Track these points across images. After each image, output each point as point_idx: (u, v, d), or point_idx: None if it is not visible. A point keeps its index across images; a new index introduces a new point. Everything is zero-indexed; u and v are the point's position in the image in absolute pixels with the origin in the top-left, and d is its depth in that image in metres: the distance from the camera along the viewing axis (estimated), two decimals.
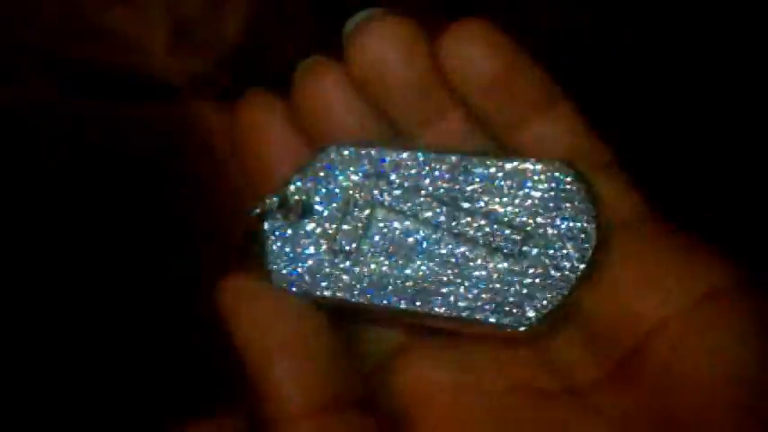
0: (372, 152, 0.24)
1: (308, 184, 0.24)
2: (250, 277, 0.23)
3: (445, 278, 0.23)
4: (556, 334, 0.23)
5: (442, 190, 0.23)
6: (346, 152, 0.24)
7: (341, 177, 0.24)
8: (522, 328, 0.22)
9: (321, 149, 0.24)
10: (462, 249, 0.23)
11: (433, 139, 0.24)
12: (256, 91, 0.25)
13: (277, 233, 0.24)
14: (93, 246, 0.43)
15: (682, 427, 0.20)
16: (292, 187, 0.24)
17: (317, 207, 0.24)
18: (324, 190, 0.24)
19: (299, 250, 0.24)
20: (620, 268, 0.22)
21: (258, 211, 0.24)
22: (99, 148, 0.45)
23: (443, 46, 0.24)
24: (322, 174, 0.24)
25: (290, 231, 0.24)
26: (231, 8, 0.46)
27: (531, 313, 0.22)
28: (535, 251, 0.22)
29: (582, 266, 0.22)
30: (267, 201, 0.24)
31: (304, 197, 0.24)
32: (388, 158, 0.24)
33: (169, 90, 0.46)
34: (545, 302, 0.22)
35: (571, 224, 0.22)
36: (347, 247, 0.23)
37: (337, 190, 0.24)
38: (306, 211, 0.24)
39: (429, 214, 0.23)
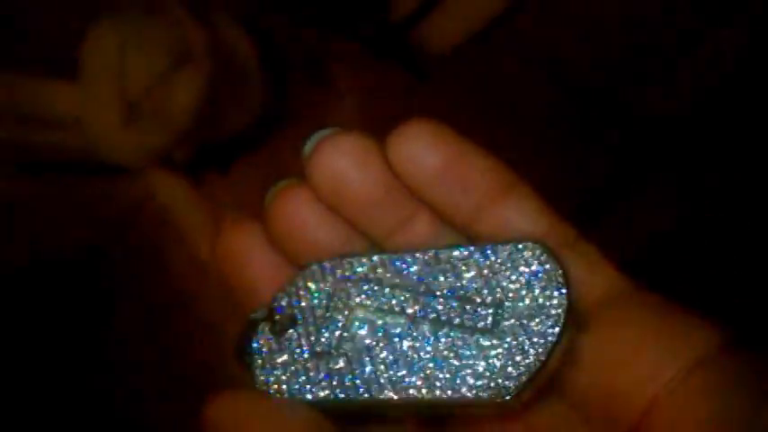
0: (346, 262, 0.25)
1: (292, 299, 0.25)
2: (239, 393, 0.24)
3: (423, 363, 0.23)
4: (542, 404, 0.23)
5: (414, 282, 0.24)
6: (326, 265, 0.25)
7: (320, 289, 0.25)
8: (507, 398, 0.22)
9: (302, 267, 0.25)
10: (439, 333, 0.24)
11: (404, 244, 0.25)
12: (236, 217, 0.26)
13: (264, 346, 0.25)
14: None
15: None
16: (276, 303, 0.25)
17: (300, 318, 0.25)
18: (304, 303, 0.25)
19: (284, 358, 0.25)
20: (604, 348, 0.23)
21: (248, 325, 0.25)
22: (57, 227, 0.45)
23: (390, 149, 0.24)
24: (302, 289, 0.25)
25: (275, 344, 0.25)
26: (183, 80, 0.44)
27: (509, 383, 0.22)
28: (508, 323, 0.23)
29: (555, 333, 0.23)
30: (254, 315, 0.25)
31: (288, 311, 0.25)
32: (361, 266, 0.25)
33: (119, 168, 0.45)
34: (522, 370, 0.22)
35: (541, 298, 0.23)
36: (328, 349, 0.24)
37: (316, 301, 0.25)
38: (290, 323, 0.25)
39: (404, 307, 0.24)
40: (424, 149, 0.24)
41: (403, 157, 0.24)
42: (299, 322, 0.25)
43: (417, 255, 0.25)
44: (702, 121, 0.45)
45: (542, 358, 0.22)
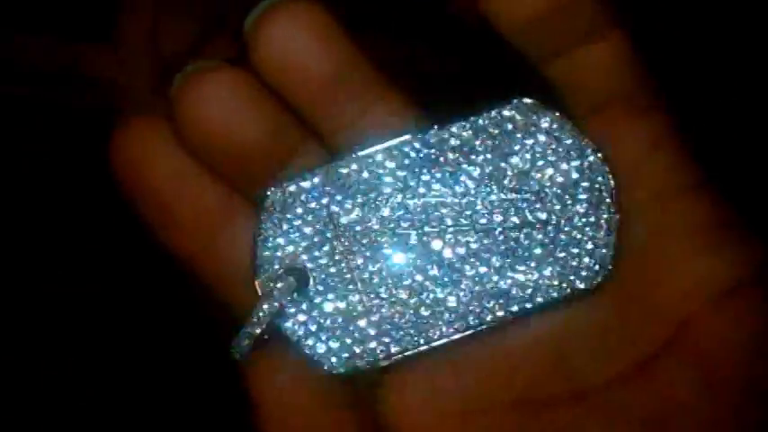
0: (322, 174, 0.22)
1: (282, 241, 0.22)
2: (276, 351, 0.22)
3: (496, 276, 0.22)
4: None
5: (426, 176, 0.22)
6: (292, 188, 0.22)
7: (310, 218, 0.22)
8: (598, 280, 0.22)
9: (260, 197, 0.22)
10: (490, 241, 0.22)
11: (355, 135, 0.22)
12: (134, 114, 0.22)
13: (292, 320, 0.22)
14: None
15: (719, 421, 0.21)
16: (267, 253, 0.22)
17: (309, 266, 0.22)
18: (303, 242, 0.22)
19: (323, 324, 0.22)
20: (650, 251, 0.22)
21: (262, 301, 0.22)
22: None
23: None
24: (285, 225, 0.22)
25: (300, 312, 0.22)
26: (217, 48, 0.45)
27: (595, 266, 0.21)
28: (559, 207, 0.22)
29: (611, 203, 0.21)
30: (265, 284, 0.22)
31: (287, 261, 0.22)
32: (345, 171, 0.22)
33: None
34: (603, 250, 0.21)
35: (576, 168, 0.22)
36: (368, 301, 0.22)
37: (315, 236, 0.22)
38: (299, 277, 0.22)
39: (435, 214, 0.22)
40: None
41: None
42: (313, 275, 0.22)
43: (412, 143, 0.22)
44: None
45: (613, 229, 0.21)
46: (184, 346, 0.44)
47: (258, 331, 0.21)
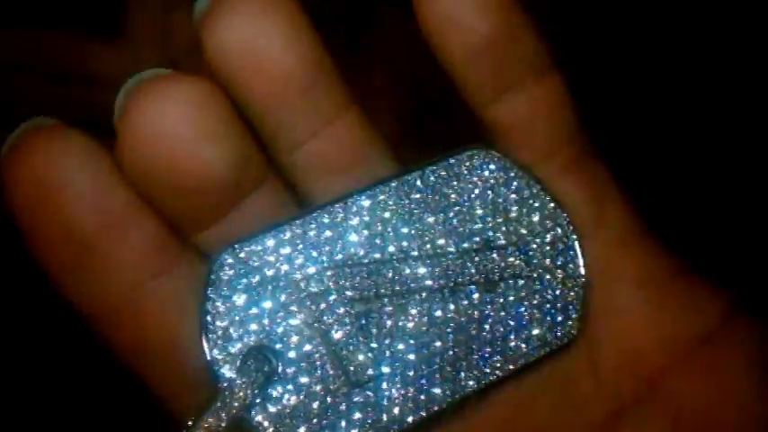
0: (280, 234, 0.19)
1: (239, 317, 0.18)
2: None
3: (477, 341, 0.20)
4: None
5: (375, 245, 0.20)
6: (245, 251, 0.18)
7: (270, 287, 0.19)
8: (574, 333, 0.21)
9: (213, 265, 0.18)
10: (459, 303, 0.20)
11: (317, 150, 0.19)
12: (45, 122, 0.18)
13: (262, 413, 0.19)
14: None
15: None
16: (220, 332, 0.18)
17: (278, 346, 0.19)
18: (265, 317, 0.19)
19: (298, 415, 0.19)
20: (613, 313, 0.21)
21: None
22: None
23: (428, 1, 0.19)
24: (242, 297, 0.19)
25: (270, 402, 0.19)
26: None
27: (569, 320, 0.21)
28: (522, 264, 0.21)
29: (576, 247, 0.21)
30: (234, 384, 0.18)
31: (252, 343, 0.18)
32: (304, 230, 0.19)
33: None
34: (575, 304, 0.21)
35: (539, 223, 0.21)
36: (345, 384, 0.19)
37: (278, 309, 0.19)
38: (265, 360, 0.19)
39: (402, 278, 0.20)
40: (478, 9, 0.19)
41: (447, 14, 0.18)
42: (275, 362, 0.19)
43: (363, 202, 0.20)
44: None
45: (582, 280, 0.21)
46: None
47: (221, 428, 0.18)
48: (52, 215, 0.17)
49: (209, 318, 0.18)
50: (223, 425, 0.17)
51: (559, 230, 0.21)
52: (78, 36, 0.43)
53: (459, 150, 0.21)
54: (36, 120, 0.17)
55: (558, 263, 0.21)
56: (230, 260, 0.18)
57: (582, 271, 0.21)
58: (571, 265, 0.21)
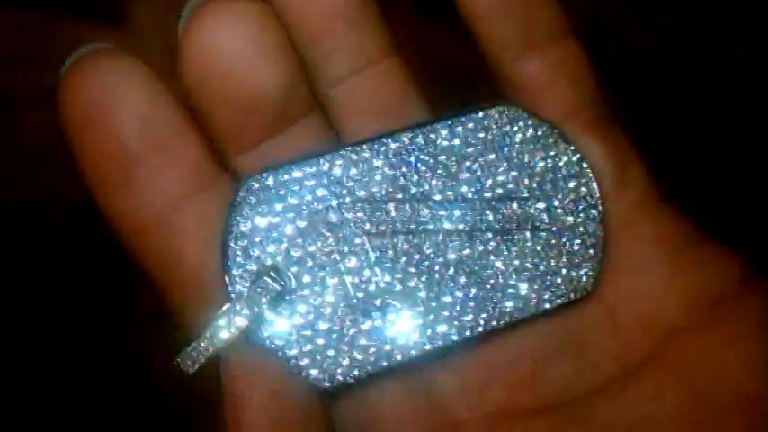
0: (306, 167, 0.20)
1: (258, 239, 0.19)
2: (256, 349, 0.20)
3: (488, 285, 0.21)
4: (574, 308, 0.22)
5: (408, 181, 0.20)
6: (271, 180, 0.20)
7: (290, 215, 0.20)
8: (580, 294, 0.21)
9: (240, 188, 0.20)
10: (475, 248, 0.21)
11: (356, 88, 0.20)
12: (103, 47, 0.19)
13: (271, 329, 0.20)
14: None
15: (708, 423, 0.20)
16: (239, 251, 0.19)
17: (292, 269, 0.20)
18: (282, 241, 0.20)
19: (305, 334, 0.20)
20: (627, 274, 0.22)
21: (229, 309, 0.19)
22: None
23: None
24: (262, 220, 0.20)
25: (280, 319, 0.20)
26: None
27: (579, 280, 0.21)
28: (546, 219, 0.21)
29: (597, 205, 0.21)
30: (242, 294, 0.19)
31: (268, 263, 0.20)
32: (329, 166, 0.20)
33: None
34: (591, 260, 0.21)
35: (562, 179, 0.21)
36: (352, 311, 0.20)
37: (296, 235, 0.20)
38: (277, 281, 0.20)
39: (419, 219, 0.21)
40: None
41: None
42: (288, 282, 0.20)
43: (392, 145, 0.20)
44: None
45: (600, 233, 0.21)
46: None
47: (221, 342, 0.19)
48: (102, 132, 0.18)
49: (229, 236, 0.19)
50: (230, 335, 0.18)
51: (583, 187, 0.21)
52: (80, 23, 0.43)
53: (489, 106, 0.21)
54: (92, 44, 0.19)
55: (579, 218, 0.21)
56: (256, 185, 0.20)
57: (601, 228, 0.21)
58: (591, 222, 0.21)
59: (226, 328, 0.19)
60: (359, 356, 0.20)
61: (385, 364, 0.21)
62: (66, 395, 0.43)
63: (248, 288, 0.19)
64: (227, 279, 0.19)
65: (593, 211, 0.21)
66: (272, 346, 0.20)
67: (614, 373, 0.21)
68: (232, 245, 0.19)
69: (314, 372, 0.20)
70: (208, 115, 0.19)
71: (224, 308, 0.19)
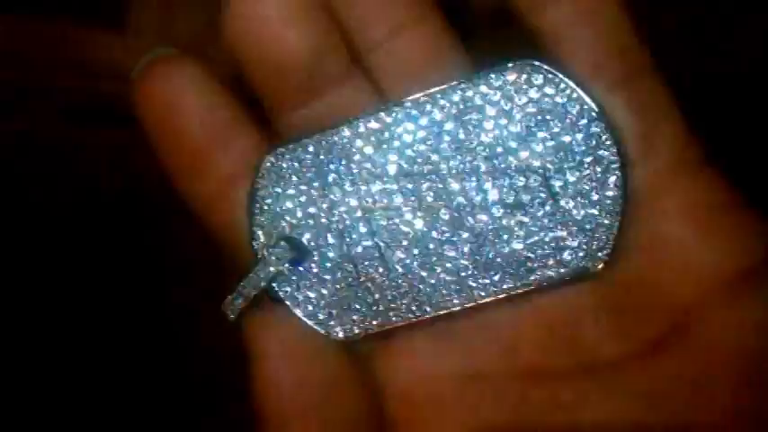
0: (319, 141, 0.21)
1: (279, 209, 0.21)
2: (276, 313, 0.21)
3: (492, 252, 0.21)
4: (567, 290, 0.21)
5: (422, 149, 0.21)
6: (290, 154, 0.21)
7: (308, 186, 0.21)
8: (600, 265, 0.21)
9: (264, 160, 0.21)
10: (489, 216, 0.21)
11: (396, 50, 0.21)
12: (164, 53, 0.21)
13: (291, 286, 0.21)
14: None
15: (723, 398, 0.20)
16: (263, 219, 0.21)
17: (307, 236, 0.21)
18: (301, 211, 0.21)
19: (319, 292, 0.21)
20: (655, 236, 0.21)
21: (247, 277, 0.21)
22: (100, 174, 0.46)
23: None
24: (283, 191, 0.21)
25: (298, 276, 0.21)
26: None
27: (598, 246, 0.21)
28: (560, 184, 0.21)
29: (617, 168, 0.20)
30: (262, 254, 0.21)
31: (284, 229, 0.21)
32: (343, 138, 0.21)
33: None
34: (609, 231, 0.21)
35: (582, 139, 0.20)
36: (369, 270, 0.21)
37: (313, 205, 0.21)
38: (297, 247, 0.21)
39: (437, 184, 0.21)
40: None
41: None
42: (310, 246, 0.21)
43: (396, 114, 0.21)
44: None
45: (618, 209, 0.20)
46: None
47: (252, 294, 0.21)
48: (173, 129, 0.21)
49: (254, 204, 0.21)
50: (253, 293, 0.21)
51: (605, 152, 0.21)
52: (80, 25, 0.43)
53: (507, 65, 0.21)
54: (158, 50, 0.21)
55: (599, 186, 0.21)
56: (278, 157, 0.21)
57: (621, 197, 0.21)
58: (611, 191, 0.21)
59: (255, 283, 0.21)
60: (384, 310, 0.21)
61: (412, 317, 0.21)
62: (106, 352, 0.43)
63: (268, 252, 0.21)
64: (253, 243, 0.21)
65: (612, 177, 0.21)
66: (295, 304, 0.21)
67: (640, 343, 0.21)
68: (255, 216, 0.21)
69: (338, 327, 0.21)
70: (250, 79, 0.21)
71: (253, 267, 0.21)
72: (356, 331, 0.21)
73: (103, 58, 0.44)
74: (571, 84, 0.20)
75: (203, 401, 0.44)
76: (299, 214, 0.21)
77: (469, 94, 0.21)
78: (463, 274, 0.21)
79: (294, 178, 0.21)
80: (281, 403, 0.20)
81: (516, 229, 0.21)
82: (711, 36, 0.43)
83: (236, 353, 0.21)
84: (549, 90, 0.21)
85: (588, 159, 0.21)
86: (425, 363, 0.22)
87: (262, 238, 0.21)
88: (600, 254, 0.21)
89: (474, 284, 0.21)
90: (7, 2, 0.43)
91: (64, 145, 0.45)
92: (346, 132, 0.21)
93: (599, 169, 0.21)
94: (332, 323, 0.21)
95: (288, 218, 0.21)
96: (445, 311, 0.21)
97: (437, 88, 0.21)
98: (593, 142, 0.21)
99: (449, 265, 0.21)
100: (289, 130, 0.21)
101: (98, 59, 0.44)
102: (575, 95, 0.20)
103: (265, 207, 0.21)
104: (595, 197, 0.21)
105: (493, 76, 0.21)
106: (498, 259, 0.21)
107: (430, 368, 0.22)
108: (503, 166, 0.21)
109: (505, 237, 0.21)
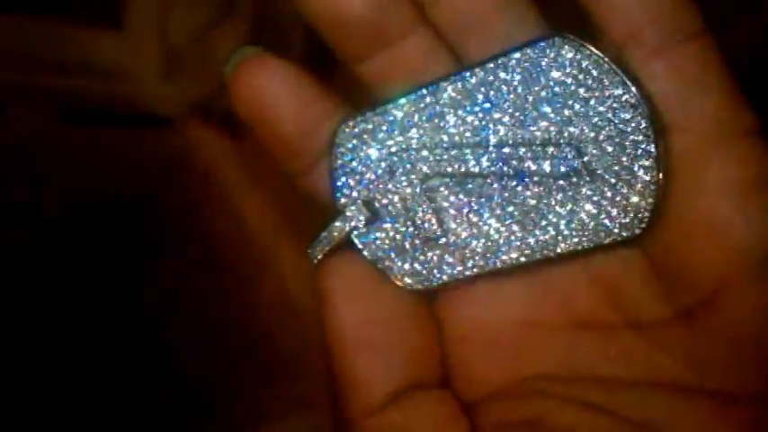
0: (393, 110, 0.23)
1: (357, 173, 0.23)
2: (353, 259, 0.23)
3: (541, 220, 0.22)
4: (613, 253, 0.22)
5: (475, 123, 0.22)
6: (365, 122, 0.23)
7: (384, 152, 0.23)
8: (638, 231, 0.21)
9: (340, 126, 0.23)
10: (535, 186, 0.22)
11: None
12: (255, 52, 0.23)
13: (370, 241, 0.23)
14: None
15: (754, 376, 0.20)
16: (342, 182, 0.23)
17: (383, 200, 0.23)
18: (377, 174, 0.23)
19: (391, 245, 0.23)
20: (691, 208, 0.21)
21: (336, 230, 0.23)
22: (100, 175, 0.46)
23: None
24: (359, 157, 0.23)
25: (374, 232, 0.23)
26: (225, 33, 0.44)
27: (635, 221, 0.21)
28: (599, 153, 0.21)
29: (652, 141, 0.21)
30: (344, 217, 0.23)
31: (362, 190, 0.23)
32: (414, 107, 0.23)
33: (162, 119, 0.45)
34: (644, 206, 0.21)
35: (619, 111, 0.21)
36: (434, 230, 0.23)
37: (389, 169, 0.23)
38: (374, 210, 0.23)
39: (485, 161, 0.22)
40: None
41: None
42: (388, 209, 0.23)
43: (462, 81, 0.22)
44: None
45: (654, 174, 0.21)
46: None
47: (333, 239, 0.23)
48: (267, 124, 0.23)
49: (334, 167, 0.23)
50: (335, 237, 0.23)
51: (641, 125, 0.21)
52: (79, 25, 0.43)
53: (538, 38, 0.21)
54: (247, 49, 0.23)
55: (634, 161, 0.21)
56: (363, 120, 0.23)
57: (656, 173, 0.21)
58: (647, 163, 0.21)
59: (337, 231, 0.23)
60: (452, 262, 0.23)
61: (476, 271, 0.22)
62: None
63: (346, 210, 0.23)
64: (335, 200, 0.23)
65: (648, 148, 0.21)
66: (367, 254, 0.23)
67: (678, 308, 0.21)
68: (338, 174, 0.23)
69: (405, 278, 0.23)
70: (319, 31, 0.22)
71: (332, 221, 0.23)
72: (432, 282, 0.23)
73: (102, 59, 0.44)
74: (606, 57, 0.21)
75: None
76: (373, 176, 0.23)
77: (507, 66, 0.22)
78: (520, 234, 0.22)
79: (371, 142, 0.23)
80: (347, 339, 0.21)
81: (559, 197, 0.22)
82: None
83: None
84: (585, 63, 0.21)
85: (624, 129, 0.21)
86: (484, 310, 0.23)
87: (342, 196, 0.23)
88: (637, 222, 0.21)
89: (535, 246, 0.22)
90: (7, 2, 0.43)
91: (63, 145, 0.45)
92: (428, 98, 0.22)
93: (636, 140, 0.21)
94: (406, 277, 0.23)
95: (365, 177, 0.23)
96: (509, 266, 0.22)
97: (481, 61, 0.22)
98: (629, 113, 0.21)
99: (509, 223, 0.22)
100: (364, 81, 0.23)
101: (97, 60, 0.44)
102: (611, 69, 0.21)
103: (346, 166, 0.23)
104: (635, 167, 0.21)
105: (530, 50, 0.21)
106: (545, 223, 0.22)
107: (488, 315, 0.23)
108: (543, 137, 0.22)
109: (548, 207, 0.22)
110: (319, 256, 0.23)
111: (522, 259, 0.22)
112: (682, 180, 0.21)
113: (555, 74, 0.21)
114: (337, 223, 0.23)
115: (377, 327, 0.22)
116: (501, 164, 0.22)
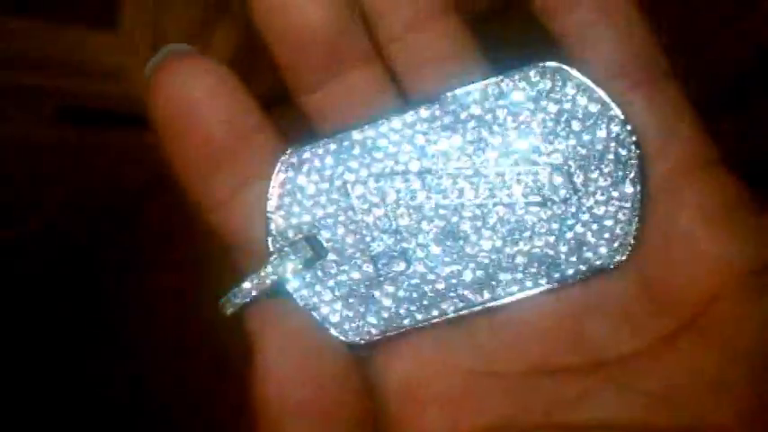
0: (338, 141, 0.21)
1: (296, 209, 0.21)
2: (279, 303, 0.21)
3: (510, 252, 0.21)
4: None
5: (445, 148, 0.21)
6: (307, 154, 0.21)
7: (325, 186, 0.21)
8: (618, 258, 0.21)
9: (280, 161, 0.21)
10: (513, 214, 0.21)
11: (413, 45, 0.21)
12: (180, 50, 0.21)
13: (306, 287, 0.21)
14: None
15: (736, 398, 0.20)
16: (280, 219, 0.21)
17: (325, 236, 0.21)
18: (318, 211, 0.21)
19: (333, 293, 0.21)
20: (673, 229, 0.21)
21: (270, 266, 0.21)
22: (96, 176, 0.46)
23: None
24: (299, 192, 0.21)
25: (313, 276, 0.21)
26: (219, 30, 0.44)
27: (616, 244, 0.21)
28: (581, 179, 0.21)
29: (634, 169, 0.21)
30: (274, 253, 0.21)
31: (301, 229, 0.21)
32: (361, 138, 0.21)
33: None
34: (627, 229, 0.21)
35: (602, 139, 0.21)
36: (374, 275, 0.21)
37: (330, 205, 0.21)
38: (314, 247, 0.21)
39: (453, 186, 0.21)
40: None
41: None
42: (328, 245, 0.21)
43: (419, 112, 0.21)
44: None
45: (637, 207, 0.21)
46: None
47: (259, 289, 0.21)
48: (189, 127, 0.20)
49: (270, 204, 0.21)
50: (261, 286, 0.21)
51: (623, 151, 0.21)
52: (72, 26, 0.44)
53: (526, 66, 0.21)
54: (173, 46, 0.21)
55: (617, 185, 0.21)
56: (295, 158, 0.21)
57: (640, 196, 0.21)
58: (630, 189, 0.21)
59: (262, 280, 0.21)
60: (391, 313, 0.21)
61: (420, 318, 0.21)
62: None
63: (285, 250, 0.21)
64: (268, 242, 0.21)
65: (630, 174, 0.21)
66: (302, 302, 0.21)
67: (651, 339, 0.21)
68: (272, 215, 0.21)
69: (344, 327, 0.21)
70: (273, 54, 0.21)
71: (266, 264, 0.21)
72: (373, 333, 0.21)
73: (98, 59, 0.44)
74: (591, 84, 0.21)
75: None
76: (318, 212, 0.21)
77: (493, 93, 0.21)
78: (485, 272, 0.21)
79: (314, 176, 0.21)
80: (279, 398, 0.20)
81: (538, 226, 0.21)
82: (707, 35, 0.43)
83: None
84: (570, 90, 0.21)
85: (608, 157, 0.21)
86: (432, 360, 0.22)
87: (278, 236, 0.21)
88: (619, 250, 0.21)
89: (497, 282, 0.21)
90: (6, 3, 0.43)
91: (62, 145, 0.45)
92: (369, 132, 0.21)
93: (619, 167, 0.21)
94: (345, 326, 0.21)
95: (306, 216, 0.21)
96: (465, 312, 0.21)
97: (462, 88, 0.21)
98: (614, 141, 0.21)
99: (471, 264, 0.21)
100: (309, 113, 0.22)
101: (93, 60, 0.44)
102: (595, 95, 0.21)
103: (284, 204, 0.21)
104: (615, 194, 0.21)
105: (516, 77, 0.21)
106: (520, 258, 0.21)
107: (436, 366, 0.21)
108: (525, 164, 0.21)
109: (527, 234, 0.21)
110: (231, 310, 0.21)
111: (466, 310, 0.21)
112: (659, 206, 0.21)
113: (542, 101, 0.21)
114: (270, 269, 0.21)
115: (311, 386, 0.20)
116: (470, 192, 0.21)
